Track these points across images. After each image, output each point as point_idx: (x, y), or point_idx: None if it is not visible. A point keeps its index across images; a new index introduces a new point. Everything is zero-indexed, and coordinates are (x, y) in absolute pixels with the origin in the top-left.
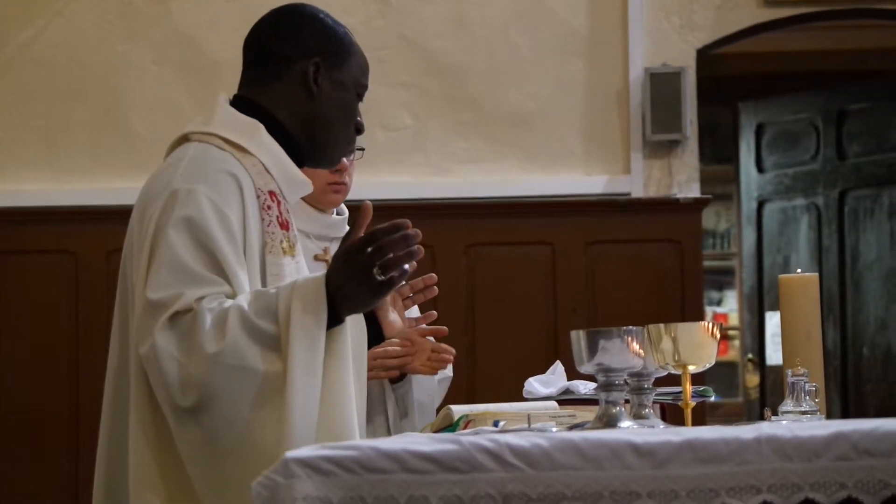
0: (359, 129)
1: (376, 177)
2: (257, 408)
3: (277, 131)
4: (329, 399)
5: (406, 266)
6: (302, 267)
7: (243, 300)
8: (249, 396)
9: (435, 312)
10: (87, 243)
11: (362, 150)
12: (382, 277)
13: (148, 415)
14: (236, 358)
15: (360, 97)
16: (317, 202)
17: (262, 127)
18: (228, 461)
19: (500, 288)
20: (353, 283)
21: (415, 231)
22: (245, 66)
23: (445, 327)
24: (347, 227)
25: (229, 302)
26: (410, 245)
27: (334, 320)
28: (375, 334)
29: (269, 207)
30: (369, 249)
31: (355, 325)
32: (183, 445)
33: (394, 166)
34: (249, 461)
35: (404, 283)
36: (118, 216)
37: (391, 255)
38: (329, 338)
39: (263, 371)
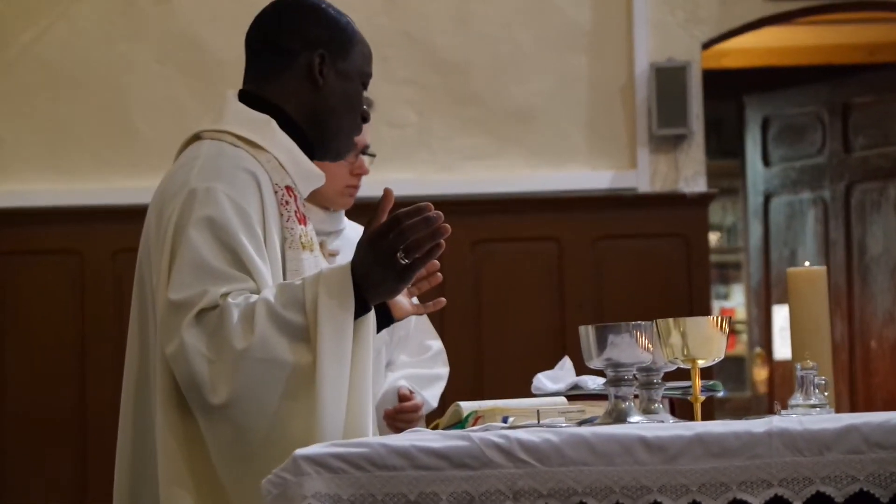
0: (364, 118)
1: (381, 174)
2: (288, 400)
3: (287, 125)
4: (355, 389)
5: (430, 248)
6: (320, 261)
7: (269, 294)
8: (280, 389)
9: (444, 299)
10: (92, 243)
11: (373, 155)
12: (407, 261)
13: (175, 415)
14: (265, 351)
15: (364, 86)
16: (331, 203)
17: (273, 122)
18: (258, 455)
19: (506, 284)
20: (378, 268)
21: (437, 213)
22: (248, 61)
23: (444, 299)
24: (345, 220)
25: (255, 297)
26: (432, 227)
27: (361, 308)
28: (384, 317)
29: (286, 203)
30: (392, 234)
31: None
32: (213, 442)
33: (398, 163)
34: (280, 454)
35: None
36: (123, 215)
37: (413, 238)
38: (355, 326)
39: (293, 363)
